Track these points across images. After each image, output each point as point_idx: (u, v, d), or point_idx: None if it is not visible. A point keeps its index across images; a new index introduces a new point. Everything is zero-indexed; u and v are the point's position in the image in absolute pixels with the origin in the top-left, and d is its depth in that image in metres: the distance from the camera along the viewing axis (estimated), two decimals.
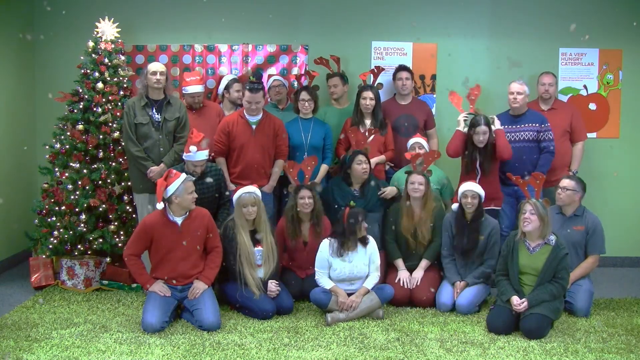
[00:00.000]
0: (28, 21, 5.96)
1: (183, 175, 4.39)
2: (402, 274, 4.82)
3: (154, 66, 5.00)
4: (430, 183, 4.91)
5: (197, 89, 5.27)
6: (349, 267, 4.55)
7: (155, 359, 3.77)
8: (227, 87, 5.55)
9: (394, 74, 5.63)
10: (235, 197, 4.64)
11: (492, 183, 4.98)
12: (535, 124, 5.16)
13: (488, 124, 4.93)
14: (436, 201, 4.95)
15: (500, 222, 5.06)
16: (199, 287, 4.40)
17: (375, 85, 5.63)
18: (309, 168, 4.94)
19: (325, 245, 4.61)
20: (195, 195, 4.42)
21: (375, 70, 5.71)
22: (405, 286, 4.75)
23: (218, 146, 5.05)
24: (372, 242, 4.65)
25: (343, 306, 4.43)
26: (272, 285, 4.51)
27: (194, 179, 4.49)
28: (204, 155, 4.73)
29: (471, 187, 4.70)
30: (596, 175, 5.99)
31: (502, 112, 5.34)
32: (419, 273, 4.81)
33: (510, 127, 5.18)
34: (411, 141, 5.17)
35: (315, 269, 4.62)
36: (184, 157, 4.75)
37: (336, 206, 4.96)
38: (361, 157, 5.00)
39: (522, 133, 5.18)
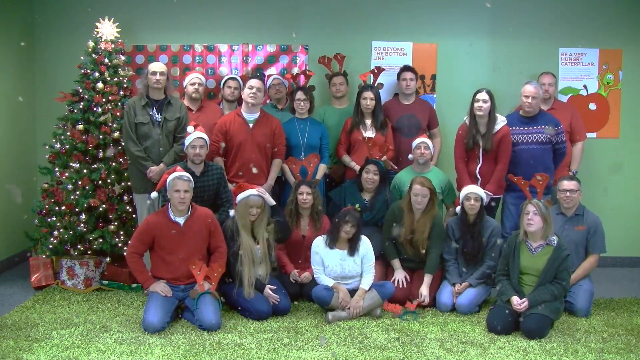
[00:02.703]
0: (28, 21, 5.95)
1: (178, 173, 4.39)
2: (399, 274, 4.80)
3: (154, 66, 5.02)
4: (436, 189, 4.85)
5: (198, 76, 5.37)
6: (340, 265, 4.55)
7: (155, 359, 3.77)
8: (223, 85, 5.57)
9: (398, 74, 5.62)
10: (242, 196, 4.55)
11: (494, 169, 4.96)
12: (549, 127, 5.01)
13: (490, 92, 4.89)
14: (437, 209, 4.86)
15: (505, 222, 5.06)
16: (205, 287, 4.37)
17: (375, 85, 5.63)
18: (311, 165, 4.94)
19: (318, 242, 4.62)
20: (183, 196, 4.34)
21: (376, 71, 5.72)
22: (401, 286, 4.73)
23: (215, 146, 5.04)
24: (366, 242, 4.64)
25: (344, 304, 4.44)
26: (270, 292, 4.47)
27: (186, 178, 4.39)
28: (200, 133, 4.71)
29: (474, 189, 4.70)
30: (596, 175, 6.00)
31: (511, 112, 5.26)
32: (425, 290, 4.67)
33: (521, 128, 5.04)
34: (417, 141, 5.08)
35: (312, 266, 4.64)
36: (185, 141, 4.73)
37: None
38: (370, 167, 5.00)
39: (534, 135, 5.01)
